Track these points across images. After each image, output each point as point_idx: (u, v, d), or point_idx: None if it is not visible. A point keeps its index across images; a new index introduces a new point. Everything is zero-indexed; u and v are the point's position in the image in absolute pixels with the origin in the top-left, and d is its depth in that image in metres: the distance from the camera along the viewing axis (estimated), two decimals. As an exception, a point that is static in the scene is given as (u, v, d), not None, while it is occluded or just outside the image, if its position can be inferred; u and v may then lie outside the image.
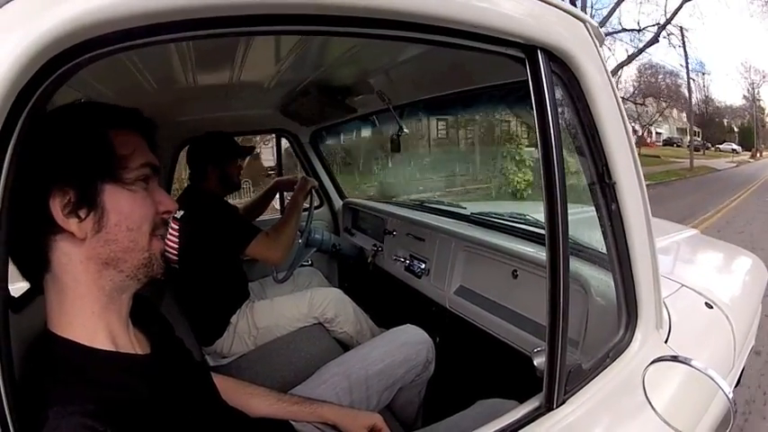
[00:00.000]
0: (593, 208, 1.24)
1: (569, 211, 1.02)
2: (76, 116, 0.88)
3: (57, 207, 0.80)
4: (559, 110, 1.02)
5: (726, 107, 61.59)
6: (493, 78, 1.89)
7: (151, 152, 0.95)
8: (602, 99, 1.13)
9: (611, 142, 1.16)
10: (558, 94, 1.05)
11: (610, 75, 1.16)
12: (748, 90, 56.71)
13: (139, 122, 0.95)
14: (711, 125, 59.06)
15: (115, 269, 0.88)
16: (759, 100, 58.93)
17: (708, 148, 55.52)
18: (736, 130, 61.71)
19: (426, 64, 1.81)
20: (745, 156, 53.27)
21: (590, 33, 1.12)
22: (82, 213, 0.82)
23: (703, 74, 49.56)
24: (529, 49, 0.97)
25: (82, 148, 0.83)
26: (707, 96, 55.09)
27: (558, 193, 0.98)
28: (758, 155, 54.19)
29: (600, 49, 1.15)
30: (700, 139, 54.35)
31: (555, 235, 1.00)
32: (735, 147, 57.10)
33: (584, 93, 1.10)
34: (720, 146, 57.60)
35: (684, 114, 50.19)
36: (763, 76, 56.42)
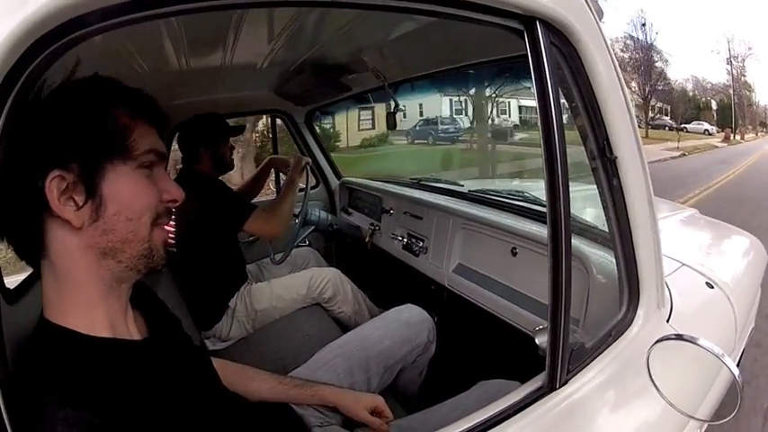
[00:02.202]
0: (594, 185, 1.22)
1: (570, 189, 1.00)
2: (80, 94, 0.83)
3: (53, 192, 0.76)
4: (559, 85, 1.00)
5: (712, 86, 55.91)
6: (488, 53, 1.86)
7: (159, 138, 0.92)
8: (603, 72, 1.11)
9: (611, 116, 1.14)
10: (557, 67, 1.03)
11: (610, 48, 1.14)
12: (729, 62, 52.75)
13: (147, 105, 0.91)
14: (682, 101, 51.51)
15: (114, 259, 0.84)
16: (744, 75, 54.87)
17: (672, 129, 42.35)
18: (714, 107, 54.00)
19: (421, 40, 1.78)
20: (717, 139, 43.23)
21: (589, 6, 1.10)
22: (79, 201, 0.78)
23: (643, 25, 44.42)
24: (528, 21, 0.95)
25: (82, 128, 0.79)
26: (652, 56, 47.22)
27: (559, 170, 0.96)
28: (735, 137, 45.78)
29: (599, 22, 1.12)
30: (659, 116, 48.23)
31: (556, 212, 0.98)
32: (708, 127, 47.07)
33: (584, 66, 1.08)
34: (688, 125, 46.97)
35: (647, 90, 45.07)
36: (749, 48, 51.81)
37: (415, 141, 20.34)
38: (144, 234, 0.86)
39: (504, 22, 0.94)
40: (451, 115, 20.99)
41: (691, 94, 54.84)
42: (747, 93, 56.21)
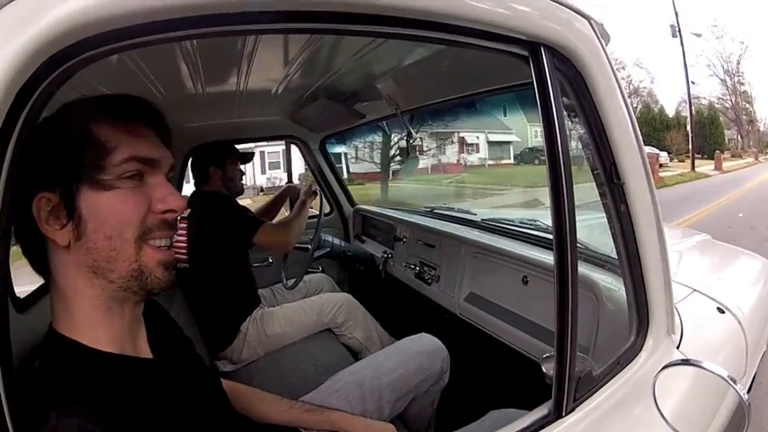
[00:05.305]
0: (602, 212, 1.22)
1: (579, 216, 1.00)
2: (58, 115, 0.81)
3: (39, 214, 0.78)
4: (564, 110, 1.00)
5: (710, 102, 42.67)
6: (498, 81, 1.88)
7: (152, 143, 0.87)
8: (609, 98, 1.11)
9: (618, 142, 1.13)
10: (563, 93, 1.03)
11: (616, 73, 1.14)
12: (679, 32, 33.95)
13: (131, 110, 0.86)
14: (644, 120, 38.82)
15: (104, 279, 0.82)
16: (741, 84, 42.76)
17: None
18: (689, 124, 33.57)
19: (433, 67, 1.80)
20: (671, 171, 27.72)
21: (595, 31, 1.10)
22: (63, 220, 0.79)
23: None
24: (532, 47, 0.95)
25: (57, 150, 0.79)
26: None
27: (564, 195, 0.96)
28: (694, 167, 27.94)
29: (605, 47, 1.13)
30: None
31: (562, 238, 0.98)
32: (662, 154, 31.88)
33: (589, 91, 1.08)
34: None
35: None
36: (742, 43, 41.75)
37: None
38: (129, 252, 0.82)
39: (509, 49, 0.95)
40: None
41: (656, 110, 43.04)
42: (747, 105, 44.43)
